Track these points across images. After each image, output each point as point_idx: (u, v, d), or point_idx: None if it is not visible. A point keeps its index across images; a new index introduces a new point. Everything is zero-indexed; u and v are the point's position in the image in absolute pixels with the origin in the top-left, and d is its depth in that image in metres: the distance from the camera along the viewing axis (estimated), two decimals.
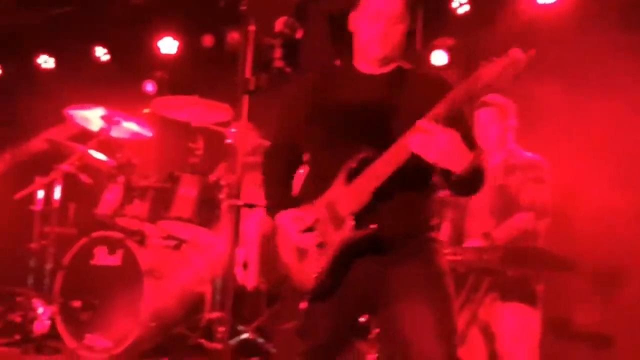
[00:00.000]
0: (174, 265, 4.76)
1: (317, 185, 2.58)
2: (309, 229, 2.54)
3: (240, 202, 2.90)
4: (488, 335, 4.15)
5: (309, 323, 2.58)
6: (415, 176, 2.48)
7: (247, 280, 5.22)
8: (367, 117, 2.53)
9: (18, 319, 4.94)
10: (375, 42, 2.57)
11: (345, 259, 2.50)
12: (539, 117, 4.70)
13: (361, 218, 2.45)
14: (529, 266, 3.78)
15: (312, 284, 2.54)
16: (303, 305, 2.55)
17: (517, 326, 4.01)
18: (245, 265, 5.20)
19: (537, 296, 4.01)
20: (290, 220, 2.59)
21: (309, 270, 2.56)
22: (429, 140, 2.28)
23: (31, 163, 6.15)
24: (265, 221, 5.24)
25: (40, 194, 5.25)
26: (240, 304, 4.86)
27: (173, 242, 4.93)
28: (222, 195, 4.77)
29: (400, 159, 2.36)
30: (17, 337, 4.79)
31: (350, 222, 2.46)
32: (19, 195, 5.15)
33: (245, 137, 3.48)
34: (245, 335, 4.68)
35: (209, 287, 4.82)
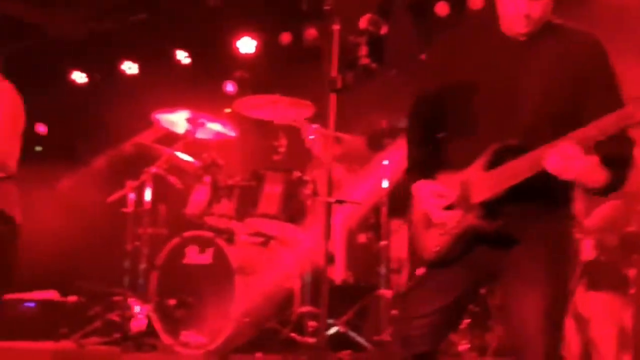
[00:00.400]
0: (263, 262, 4.90)
1: (457, 157, 2.61)
2: (449, 207, 2.59)
3: (330, 199, 3.00)
4: (581, 323, 4.15)
5: (420, 290, 2.65)
6: (550, 184, 2.45)
7: (335, 274, 5.34)
8: (509, 94, 2.53)
9: (116, 318, 5.17)
10: (517, 19, 2.52)
11: (467, 241, 2.57)
12: None
13: (490, 208, 2.51)
14: (621, 250, 3.77)
15: (432, 255, 2.63)
16: (420, 271, 2.63)
17: (609, 313, 3.99)
18: (332, 259, 5.33)
19: (628, 281, 3.99)
20: (431, 194, 2.64)
21: (431, 242, 2.64)
22: (566, 165, 2.33)
23: (122, 167, 6.44)
24: (351, 216, 5.36)
25: (132, 196, 5.44)
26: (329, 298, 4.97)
27: (261, 239, 5.08)
28: (306, 191, 4.89)
29: (538, 168, 2.39)
30: (116, 335, 5.01)
31: (480, 211, 2.52)
32: (111, 199, 5.39)
33: (327, 134, 3.57)
34: (335, 329, 4.79)
35: (298, 282, 4.94)
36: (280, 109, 5.14)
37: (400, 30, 4.81)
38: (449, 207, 2.60)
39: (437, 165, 2.68)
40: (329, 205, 2.99)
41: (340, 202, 4.61)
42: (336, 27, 2.89)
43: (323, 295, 3.30)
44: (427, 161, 2.71)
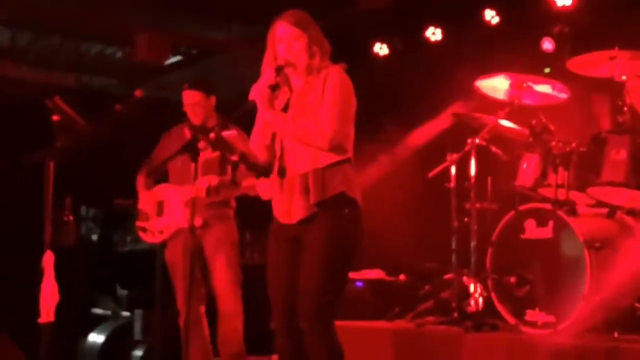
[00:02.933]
0: (613, 235, 4.87)
1: None
2: None
3: None
4: None
5: None
6: None
7: None
8: None
9: (449, 297, 5.41)
10: None
11: None
12: None
13: None
14: None
15: None
16: None
17: None
18: None
19: None
20: None
21: None
22: None
23: (441, 140, 6.66)
24: None
25: (454, 170, 5.61)
26: None
27: (606, 210, 5.04)
28: None
29: None
30: (453, 315, 5.24)
31: None
32: (432, 174, 5.61)
33: None
34: None
35: None
36: (620, 64, 5.02)
37: None
38: None
39: None
40: None
41: None
42: None
43: None
44: None
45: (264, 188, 3.79)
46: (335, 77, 3.63)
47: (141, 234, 5.46)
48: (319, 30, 3.75)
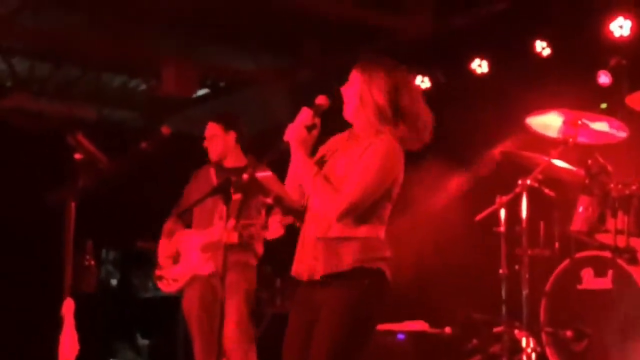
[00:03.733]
0: None
1: None
2: None
3: None
4: None
5: None
6: None
7: None
8: None
9: (499, 352, 5.32)
10: None
11: None
12: None
13: None
14: None
15: None
16: None
17: None
18: None
19: None
20: None
21: None
22: None
23: (489, 180, 6.61)
24: None
25: (503, 213, 5.55)
26: None
27: None
28: None
29: None
30: None
31: None
32: (480, 217, 5.55)
33: None
34: None
35: None
36: None
37: None
38: None
39: None
40: None
41: None
42: None
43: None
44: None
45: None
46: (382, 144, 3.47)
47: (158, 282, 5.46)
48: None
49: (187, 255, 5.34)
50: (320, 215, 3.50)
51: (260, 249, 5.35)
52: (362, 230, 3.46)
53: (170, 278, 5.38)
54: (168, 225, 5.51)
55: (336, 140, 3.69)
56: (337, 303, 3.42)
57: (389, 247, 3.54)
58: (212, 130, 5.43)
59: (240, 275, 5.21)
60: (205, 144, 5.44)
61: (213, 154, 5.42)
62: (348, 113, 3.60)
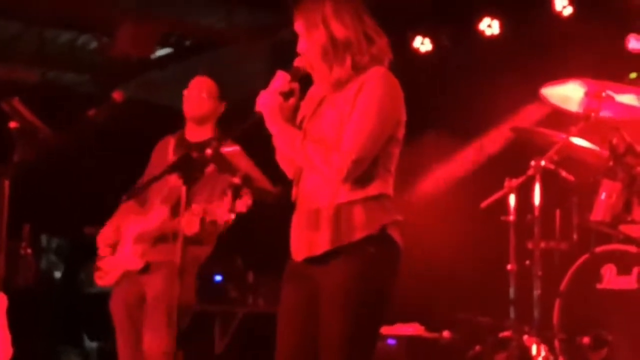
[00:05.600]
0: None
1: None
2: None
3: None
4: None
5: None
6: None
7: None
8: None
9: None
10: None
11: None
12: None
13: None
14: None
15: None
16: None
17: None
18: None
19: None
20: None
21: None
22: None
23: (497, 161, 6.64)
24: None
25: (513, 199, 5.57)
26: None
27: None
28: None
29: None
30: None
31: None
32: (485, 204, 5.58)
33: None
34: None
35: None
36: None
37: None
38: None
39: None
40: None
41: None
42: None
43: None
44: None
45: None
46: (376, 81, 3.44)
47: (95, 274, 5.33)
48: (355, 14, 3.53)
49: (121, 246, 5.21)
50: (320, 184, 3.50)
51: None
52: (374, 187, 3.47)
53: (104, 270, 5.25)
54: (123, 207, 5.37)
55: (312, 96, 3.66)
56: (342, 278, 3.43)
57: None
58: (206, 90, 5.26)
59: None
60: (186, 98, 5.28)
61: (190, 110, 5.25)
62: (315, 63, 3.55)
